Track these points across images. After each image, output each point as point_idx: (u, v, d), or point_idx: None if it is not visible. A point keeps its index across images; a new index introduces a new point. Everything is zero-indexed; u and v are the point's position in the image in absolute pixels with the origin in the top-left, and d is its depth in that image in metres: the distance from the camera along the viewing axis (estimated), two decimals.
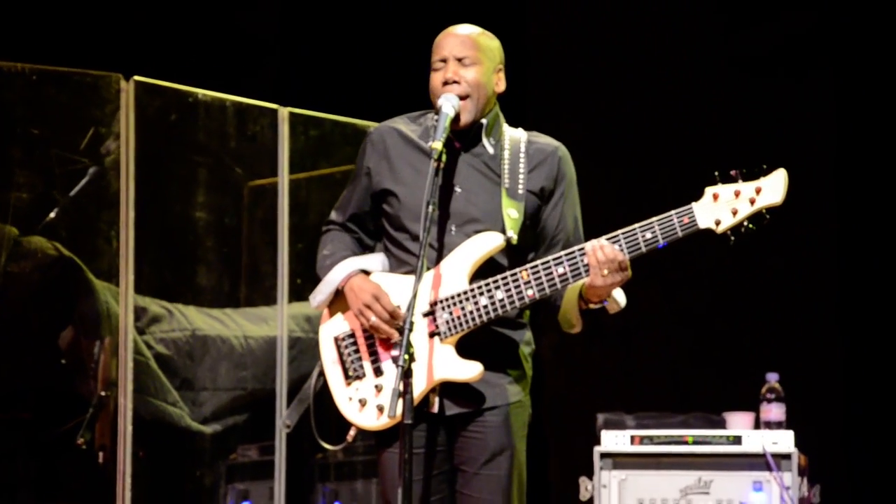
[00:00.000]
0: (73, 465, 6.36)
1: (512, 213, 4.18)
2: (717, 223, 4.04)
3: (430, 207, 3.98)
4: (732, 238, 4.05)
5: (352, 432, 4.20)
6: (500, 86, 4.29)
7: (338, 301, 4.26)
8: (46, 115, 6.42)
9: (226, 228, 6.97)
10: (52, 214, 6.43)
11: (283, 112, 6.91)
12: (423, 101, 4.28)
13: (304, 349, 6.80)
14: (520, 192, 4.21)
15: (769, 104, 7.11)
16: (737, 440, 5.96)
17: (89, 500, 6.43)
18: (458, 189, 4.20)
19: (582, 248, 4.08)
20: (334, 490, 7.28)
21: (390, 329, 4.12)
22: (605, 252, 4.04)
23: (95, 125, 6.43)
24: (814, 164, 6.73)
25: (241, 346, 6.93)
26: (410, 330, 3.86)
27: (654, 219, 4.07)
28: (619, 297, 4.16)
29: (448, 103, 4.15)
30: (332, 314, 4.28)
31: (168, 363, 6.70)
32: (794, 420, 6.07)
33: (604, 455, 6.05)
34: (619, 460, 6.03)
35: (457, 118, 4.15)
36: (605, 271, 4.03)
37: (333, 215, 4.39)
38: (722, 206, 4.04)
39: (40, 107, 6.39)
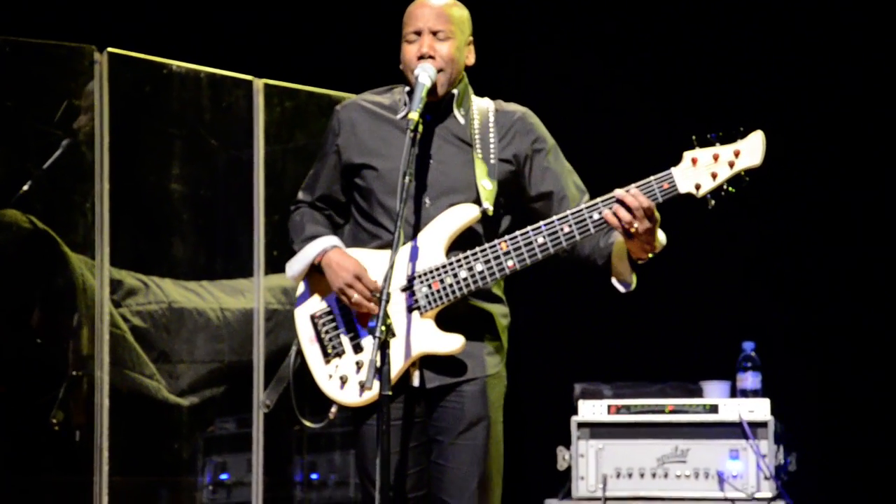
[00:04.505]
0: (49, 438, 6.35)
1: (486, 185, 4.17)
2: (697, 187, 4.04)
3: (407, 178, 3.97)
4: (712, 202, 4.05)
5: (333, 409, 4.20)
6: (471, 58, 4.29)
7: (312, 278, 4.25)
8: (20, 87, 6.38)
9: (201, 200, 6.94)
10: (26, 187, 6.40)
11: (258, 83, 6.88)
12: (399, 72, 4.26)
13: (281, 321, 6.79)
14: (492, 161, 4.21)
15: (744, 65, 7.11)
16: (713, 409, 5.99)
17: (66, 473, 6.41)
18: (431, 161, 4.20)
19: (563, 217, 4.07)
20: (312, 461, 7.28)
21: (372, 307, 4.10)
22: (629, 200, 3.98)
23: (69, 97, 6.39)
24: (790, 129, 6.73)
25: (217, 319, 6.92)
26: (387, 301, 3.85)
27: (634, 185, 4.06)
28: (661, 237, 4.13)
29: (425, 73, 4.14)
30: (306, 292, 4.27)
31: (144, 336, 6.68)
32: (770, 388, 6.10)
33: (581, 424, 6.07)
34: (597, 430, 6.06)
35: (433, 89, 4.15)
36: (636, 224, 4.00)
37: (301, 195, 4.37)
38: (701, 170, 4.04)
39: (14, 79, 6.34)
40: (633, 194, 4.00)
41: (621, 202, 4.00)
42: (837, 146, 6.95)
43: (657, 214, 4.03)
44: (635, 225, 3.99)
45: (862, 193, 6.93)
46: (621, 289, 4.20)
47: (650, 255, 4.10)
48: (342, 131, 4.29)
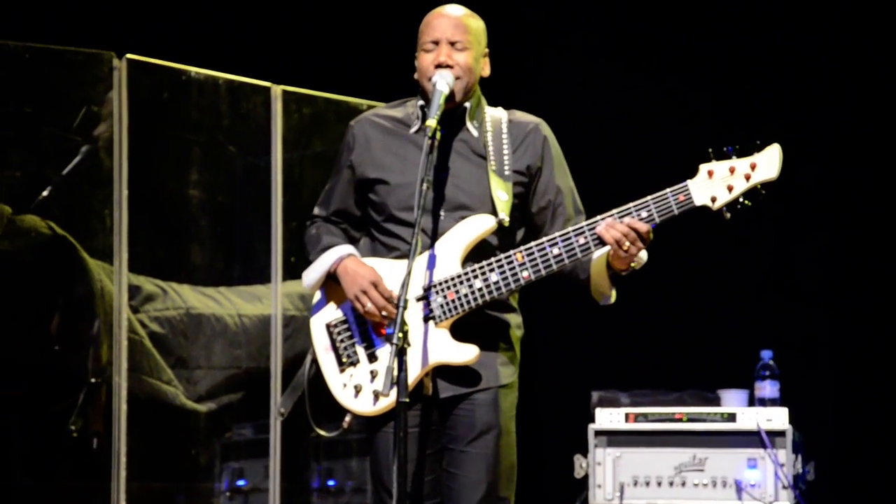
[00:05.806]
0: (68, 444, 6.36)
1: (502, 196, 4.16)
2: (713, 200, 4.03)
3: (425, 185, 3.96)
4: (728, 215, 4.04)
5: (348, 418, 4.19)
6: (486, 70, 4.29)
7: (328, 287, 4.25)
8: (39, 93, 6.40)
9: (219, 206, 6.96)
10: (46, 193, 6.42)
11: (276, 90, 6.89)
12: (414, 81, 4.26)
13: (299, 327, 6.80)
14: (506, 172, 4.20)
15: (761, 76, 7.10)
16: (731, 417, 5.97)
17: (84, 478, 6.43)
18: (446, 175, 4.19)
19: (578, 229, 4.07)
20: (329, 468, 7.28)
21: (391, 309, 4.09)
22: (617, 228, 4.01)
23: (88, 103, 6.41)
24: (808, 140, 6.72)
25: (235, 325, 6.92)
26: (405, 307, 3.85)
27: (650, 197, 4.06)
28: (642, 254, 4.14)
29: (443, 80, 4.14)
30: (322, 300, 4.27)
31: (162, 342, 6.69)
32: (789, 397, 6.08)
33: (598, 433, 6.06)
34: (614, 438, 6.05)
35: (450, 97, 4.15)
36: (627, 244, 4.01)
37: (317, 210, 4.38)
38: (717, 183, 4.03)
39: (33, 85, 6.36)
40: (627, 222, 4.01)
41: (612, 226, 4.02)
42: (854, 156, 6.93)
43: (651, 236, 4.04)
44: (626, 244, 4.00)
45: (879, 202, 6.91)
46: (601, 302, 4.22)
47: (633, 267, 4.11)
48: (356, 147, 4.29)
